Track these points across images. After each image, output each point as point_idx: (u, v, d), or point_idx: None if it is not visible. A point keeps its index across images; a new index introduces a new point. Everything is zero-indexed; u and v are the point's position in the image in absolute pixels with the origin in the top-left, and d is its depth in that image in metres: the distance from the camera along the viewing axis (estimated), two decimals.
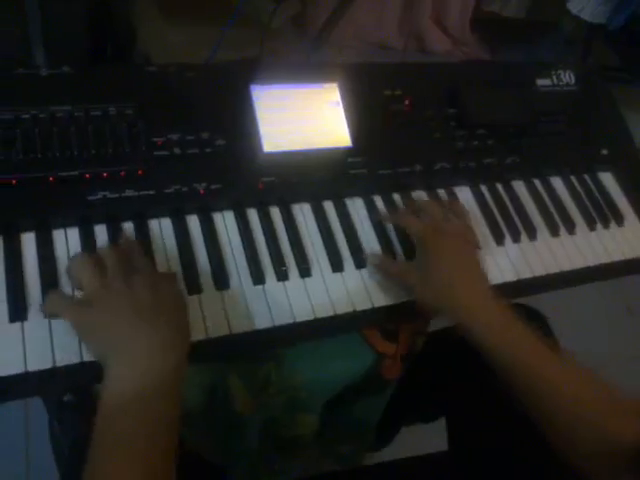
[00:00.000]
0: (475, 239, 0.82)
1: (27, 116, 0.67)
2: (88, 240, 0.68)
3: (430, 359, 0.94)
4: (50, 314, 0.63)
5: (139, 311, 0.59)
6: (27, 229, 0.67)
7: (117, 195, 0.69)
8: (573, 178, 0.99)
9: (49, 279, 0.65)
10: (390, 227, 0.83)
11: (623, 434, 0.61)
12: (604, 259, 0.92)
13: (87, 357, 0.62)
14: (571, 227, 0.93)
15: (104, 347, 0.59)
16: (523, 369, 0.67)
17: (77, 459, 0.88)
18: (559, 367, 0.67)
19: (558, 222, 0.92)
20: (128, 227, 0.71)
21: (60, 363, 0.61)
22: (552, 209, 0.94)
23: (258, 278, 0.73)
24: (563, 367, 0.67)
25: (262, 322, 0.71)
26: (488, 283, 0.75)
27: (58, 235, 0.68)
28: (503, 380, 0.69)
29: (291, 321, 0.72)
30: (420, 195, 0.87)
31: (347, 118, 0.83)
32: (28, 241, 0.66)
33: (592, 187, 1.00)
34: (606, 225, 0.96)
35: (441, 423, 1.01)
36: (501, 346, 0.68)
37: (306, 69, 0.87)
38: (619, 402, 0.65)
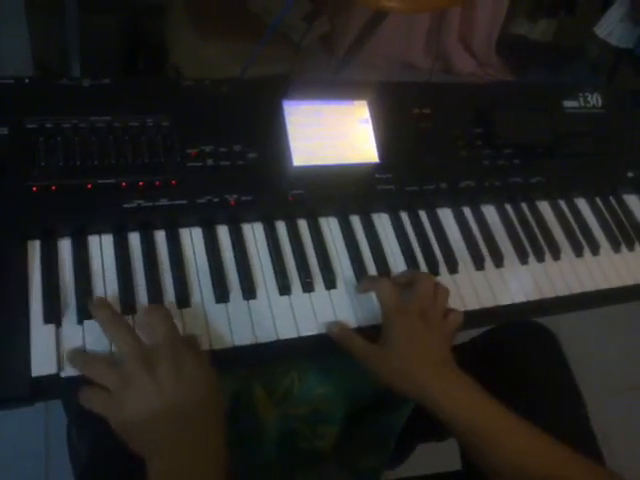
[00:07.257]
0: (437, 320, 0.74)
1: (68, 125, 0.70)
2: (121, 247, 0.70)
3: None
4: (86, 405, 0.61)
5: (167, 409, 0.59)
6: (64, 234, 0.69)
7: (151, 204, 0.71)
8: (598, 200, 1.00)
9: (83, 284, 0.67)
10: (415, 243, 0.84)
11: None
12: (628, 281, 0.92)
13: None
14: (595, 248, 0.93)
15: (139, 444, 0.60)
16: (484, 435, 0.66)
17: (94, 466, 0.89)
18: (525, 434, 0.66)
19: (582, 243, 0.93)
20: (160, 235, 0.73)
21: None
22: (576, 230, 0.94)
23: (284, 289, 0.74)
24: (529, 434, 0.66)
25: (287, 332, 0.72)
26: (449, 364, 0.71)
27: (93, 241, 0.70)
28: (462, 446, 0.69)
29: (316, 332, 0.73)
30: (445, 212, 0.88)
31: (375, 135, 0.85)
32: (64, 246, 0.68)
33: (617, 209, 1.00)
34: (631, 247, 0.96)
35: (455, 441, 1.00)
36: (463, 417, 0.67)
37: (337, 86, 0.89)
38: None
